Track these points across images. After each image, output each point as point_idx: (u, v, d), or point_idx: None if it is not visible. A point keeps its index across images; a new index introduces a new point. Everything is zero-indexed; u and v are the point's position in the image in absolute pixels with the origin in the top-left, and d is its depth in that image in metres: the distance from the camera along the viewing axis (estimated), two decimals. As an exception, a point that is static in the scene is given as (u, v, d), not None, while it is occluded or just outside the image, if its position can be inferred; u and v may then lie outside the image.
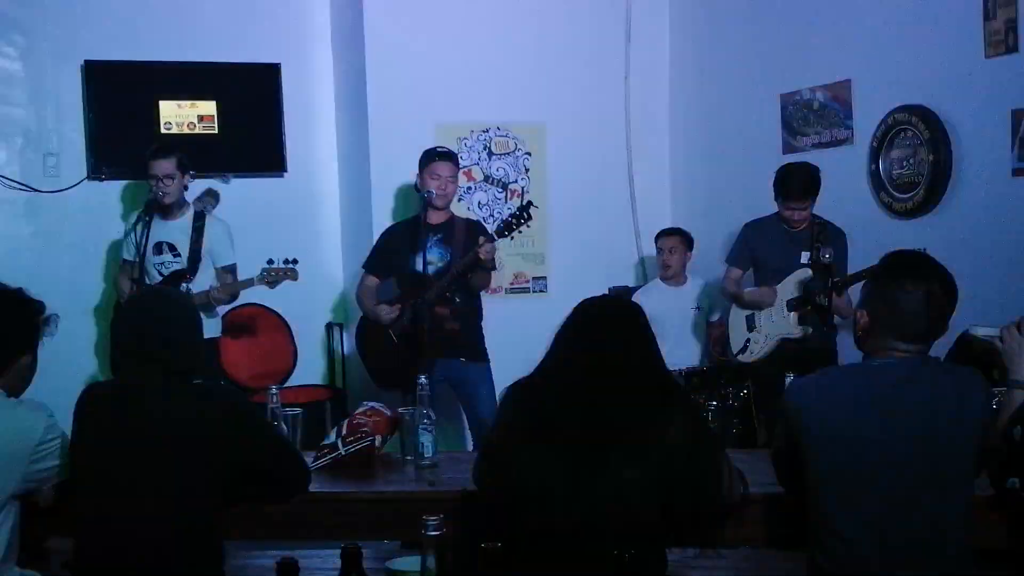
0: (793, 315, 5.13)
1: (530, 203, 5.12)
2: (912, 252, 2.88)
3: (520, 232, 5.21)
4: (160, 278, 5.32)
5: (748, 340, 5.32)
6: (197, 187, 5.66)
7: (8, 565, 2.87)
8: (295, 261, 5.29)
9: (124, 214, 6.04)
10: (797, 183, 5.04)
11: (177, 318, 3.00)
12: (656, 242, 6.07)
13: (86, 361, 6.12)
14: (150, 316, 2.97)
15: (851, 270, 4.92)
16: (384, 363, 5.35)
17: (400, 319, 5.23)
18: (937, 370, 2.75)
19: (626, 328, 2.85)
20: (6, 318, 2.94)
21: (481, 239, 5.05)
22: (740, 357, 5.36)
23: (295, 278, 5.31)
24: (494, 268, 5.33)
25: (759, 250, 5.32)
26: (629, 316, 2.90)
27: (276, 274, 5.27)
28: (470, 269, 5.10)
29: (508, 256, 6.23)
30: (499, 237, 5.06)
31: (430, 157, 5.27)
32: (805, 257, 5.04)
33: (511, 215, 5.09)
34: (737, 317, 5.41)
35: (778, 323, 5.19)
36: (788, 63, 5.96)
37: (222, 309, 5.57)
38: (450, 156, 5.32)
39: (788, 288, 5.15)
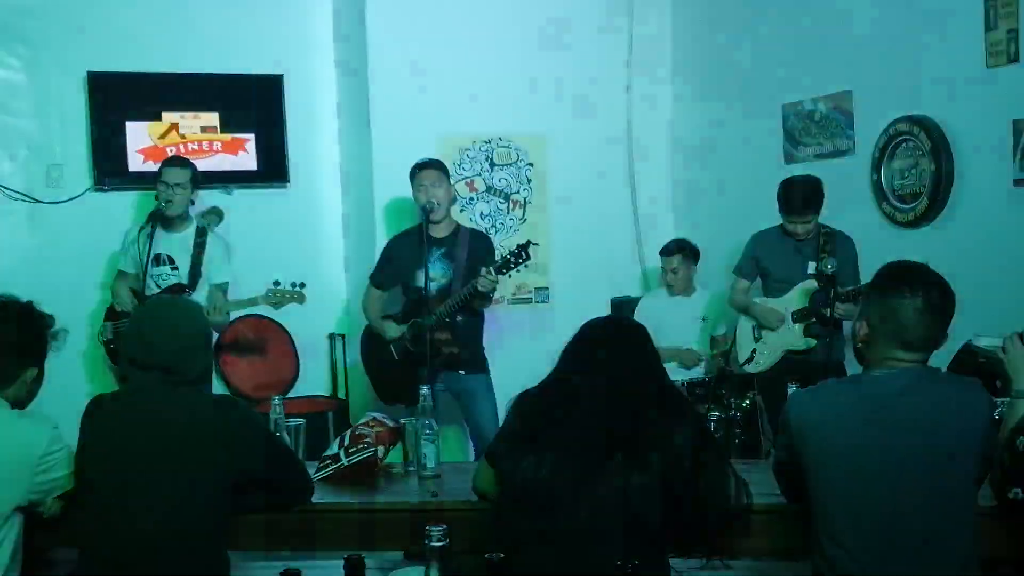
0: (798, 327, 5.12)
1: (529, 242, 5.08)
2: (909, 261, 2.88)
3: (519, 271, 5.18)
4: (157, 290, 5.30)
5: (754, 351, 5.31)
6: (199, 198, 5.67)
7: (12, 576, 2.87)
8: (303, 285, 5.29)
9: (127, 225, 6.02)
10: (798, 197, 5.02)
11: (186, 328, 3.00)
12: (660, 259, 6.06)
13: (89, 371, 6.12)
14: (159, 326, 2.97)
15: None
16: (386, 377, 5.36)
17: (402, 338, 5.25)
18: (938, 380, 2.75)
19: (630, 347, 2.89)
20: (15, 331, 2.95)
21: (483, 270, 5.00)
22: (746, 367, 5.35)
23: (302, 301, 5.30)
24: (491, 298, 5.29)
25: (765, 260, 5.31)
26: (633, 336, 2.94)
27: (282, 296, 5.27)
28: (469, 299, 5.11)
29: (510, 266, 6.24)
30: (497, 274, 4.99)
31: (413, 172, 5.28)
32: (812, 268, 5.04)
33: (511, 253, 5.01)
34: (744, 328, 5.40)
35: (783, 335, 5.18)
36: (790, 73, 5.98)
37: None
38: (431, 164, 5.30)
39: (794, 299, 5.14)
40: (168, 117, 6.33)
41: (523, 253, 4.99)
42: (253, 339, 6.36)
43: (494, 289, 5.10)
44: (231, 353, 6.29)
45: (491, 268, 4.99)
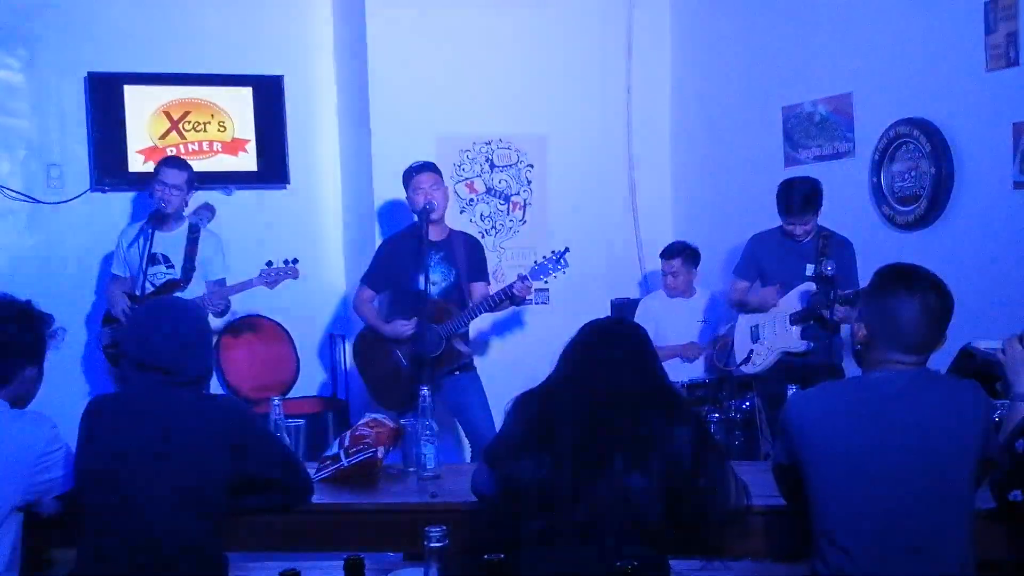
0: (796, 328, 5.12)
1: (567, 249, 5.17)
2: (908, 264, 2.88)
3: (555, 278, 5.27)
4: (152, 288, 5.32)
5: (752, 351, 5.31)
6: (198, 199, 5.67)
7: (10, 576, 2.87)
8: (296, 260, 5.29)
9: (127, 226, 6.02)
10: (797, 198, 5.02)
11: (186, 329, 3.00)
12: (661, 261, 6.06)
13: (87, 371, 6.12)
14: (159, 327, 2.97)
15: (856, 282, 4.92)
16: (384, 381, 5.32)
17: (413, 341, 5.20)
18: (936, 382, 2.75)
19: (629, 348, 2.89)
20: (14, 330, 2.95)
21: (519, 275, 5.13)
22: (743, 368, 5.35)
23: (295, 276, 5.31)
24: (525, 301, 5.34)
25: (764, 262, 5.31)
26: (632, 337, 2.95)
27: (276, 274, 5.28)
28: (497, 304, 5.13)
29: (509, 268, 6.23)
30: (533, 279, 5.13)
31: (409, 174, 5.28)
32: (810, 270, 5.04)
33: (548, 259, 5.16)
34: (742, 328, 5.40)
35: (781, 336, 5.18)
36: (790, 75, 5.97)
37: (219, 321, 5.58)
38: (427, 167, 5.30)
39: (792, 301, 5.14)
40: (168, 118, 6.33)
41: (561, 259, 5.07)
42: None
43: (526, 294, 5.18)
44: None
45: (527, 274, 5.08)
